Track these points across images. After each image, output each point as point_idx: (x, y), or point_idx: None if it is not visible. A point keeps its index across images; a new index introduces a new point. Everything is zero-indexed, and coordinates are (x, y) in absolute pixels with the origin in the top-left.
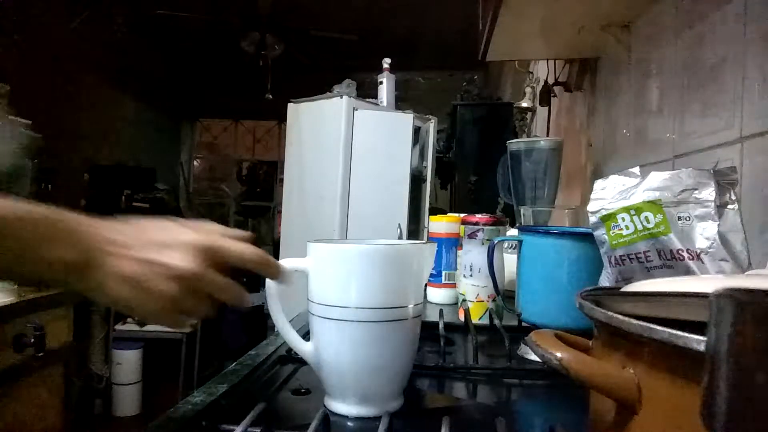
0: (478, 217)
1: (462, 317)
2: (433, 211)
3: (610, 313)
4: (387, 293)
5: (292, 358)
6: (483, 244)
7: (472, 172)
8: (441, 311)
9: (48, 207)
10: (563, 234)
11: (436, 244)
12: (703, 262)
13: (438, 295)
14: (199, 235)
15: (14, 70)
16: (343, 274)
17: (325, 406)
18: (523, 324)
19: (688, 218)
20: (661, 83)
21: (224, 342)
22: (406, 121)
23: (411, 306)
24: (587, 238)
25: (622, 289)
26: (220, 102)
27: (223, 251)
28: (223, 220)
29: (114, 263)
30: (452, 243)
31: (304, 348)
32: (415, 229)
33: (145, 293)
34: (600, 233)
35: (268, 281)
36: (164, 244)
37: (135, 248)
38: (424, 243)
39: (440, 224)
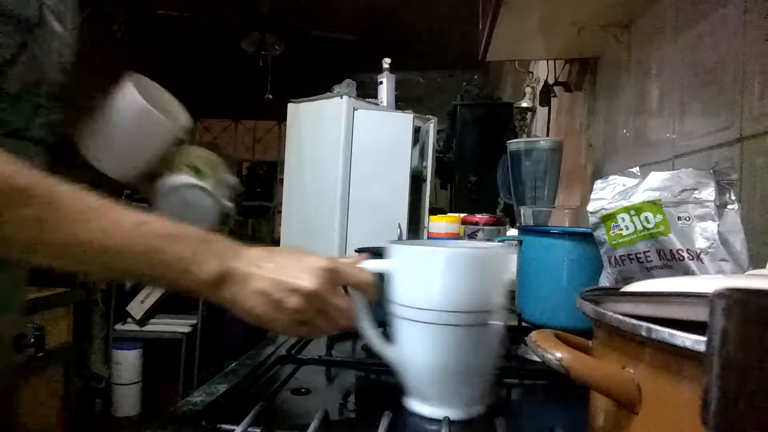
0: (478, 217)
1: None
2: (433, 211)
3: (610, 313)
4: (473, 297)
5: (292, 358)
6: None
7: (472, 172)
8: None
9: (193, 227)
10: (563, 234)
11: (516, 247)
12: (703, 262)
13: None
14: (322, 260)
15: None
16: (430, 277)
17: (405, 406)
18: (523, 324)
19: (688, 218)
20: (661, 83)
21: (224, 342)
22: (406, 121)
23: (496, 310)
24: (587, 238)
25: (622, 289)
26: (220, 102)
27: (343, 274)
28: (222, 220)
29: (249, 279)
30: None
31: (387, 351)
32: (415, 229)
33: (273, 306)
34: (600, 233)
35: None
36: (292, 266)
37: (267, 268)
38: (508, 246)
39: (440, 224)
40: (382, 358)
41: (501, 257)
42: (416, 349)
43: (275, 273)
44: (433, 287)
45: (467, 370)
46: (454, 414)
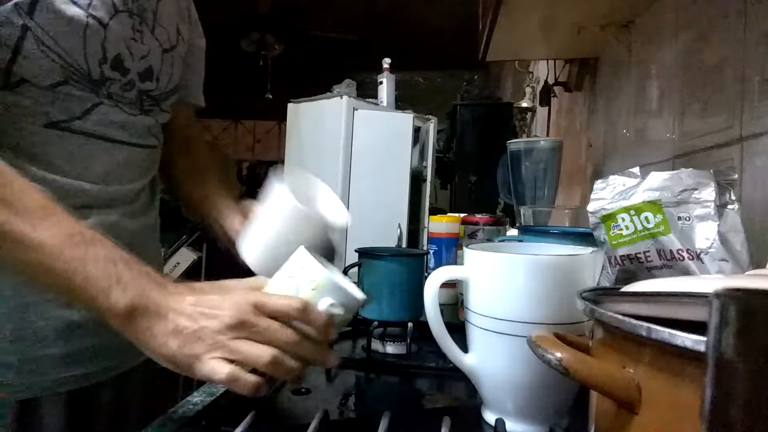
0: (478, 217)
1: (462, 317)
2: (433, 211)
3: (610, 313)
4: (561, 308)
5: None
6: None
7: (472, 172)
8: (441, 311)
9: (125, 251)
10: (561, 234)
11: (603, 252)
12: (703, 262)
13: (438, 295)
14: (248, 290)
15: None
16: (511, 286)
17: (481, 416)
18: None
19: (688, 218)
20: (661, 83)
21: None
22: (406, 121)
23: (586, 322)
24: (585, 238)
25: (622, 289)
26: (220, 102)
27: (269, 304)
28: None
29: (163, 317)
30: (452, 243)
31: (465, 362)
32: (415, 229)
33: (188, 340)
34: (600, 233)
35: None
36: (213, 298)
37: (185, 302)
38: (595, 251)
39: (440, 224)
40: (459, 367)
41: (589, 263)
42: (495, 360)
43: (193, 305)
44: (513, 297)
45: (553, 385)
46: (533, 428)
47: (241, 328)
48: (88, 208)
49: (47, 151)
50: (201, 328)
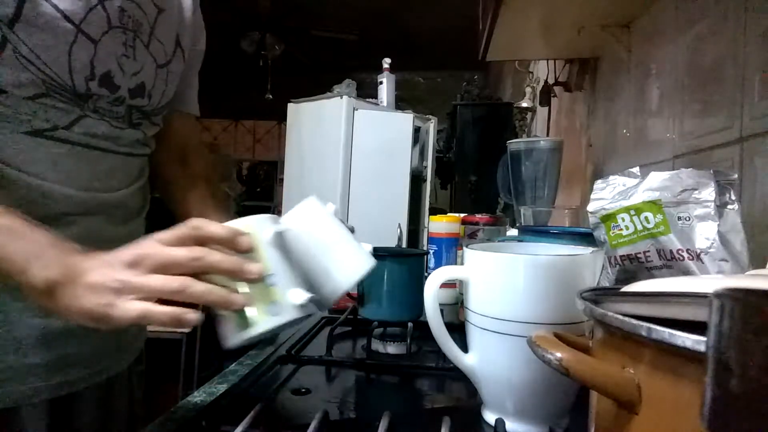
0: (478, 217)
1: (462, 317)
2: (433, 211)
3: (610, 313)
4: (561, 308)
5: (292, 358)
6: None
7: (472, 172)
8: (441, 311)
9: (45, 230)
10: (561, 234)
11: (603, 252)
12: (703, 262)
13: (438, 295)
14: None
15: None
16: (511, 286)
17: (481, 416)
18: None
19: (688, 218)
20: (661, 83)
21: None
22: (406, 121)
23: (586, 322)
24: (585, 238)
25: (622, 289)
26: (220, 102)
27: (164, 234)
28: None
29: (82, 275)
30: (452, 243)
31: (465, 362)
32: (415, 229)
33: (101, 289)
34: (600, 233)
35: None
36: (123, 250)
37: (104, 261)
38: (596, 251)
39: (440, 224)
40: (459, 367)
41: (590, 263)
42: (495, 360)
43: (105, 261)
44: (513, 297)
45: (555, 385)
46: (534, 428)
47: (140, 262)
48: (74, 214)
49: (29, 157)
50: (107, 275)
